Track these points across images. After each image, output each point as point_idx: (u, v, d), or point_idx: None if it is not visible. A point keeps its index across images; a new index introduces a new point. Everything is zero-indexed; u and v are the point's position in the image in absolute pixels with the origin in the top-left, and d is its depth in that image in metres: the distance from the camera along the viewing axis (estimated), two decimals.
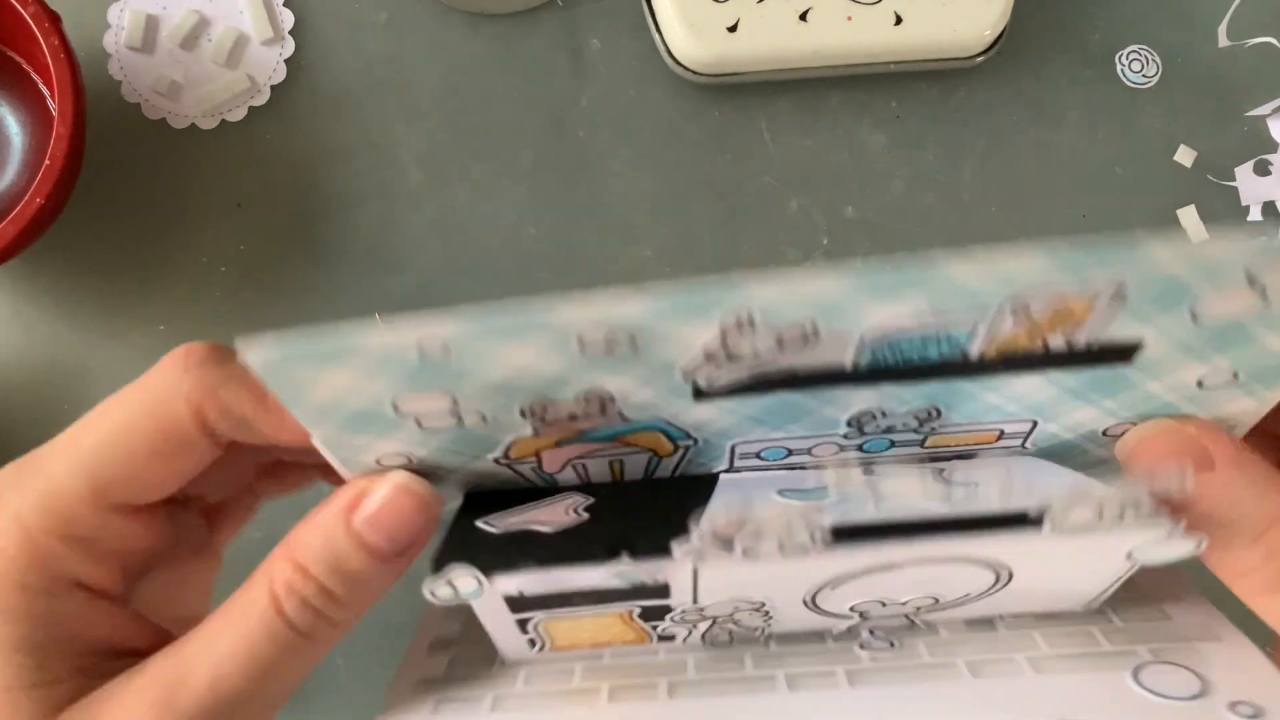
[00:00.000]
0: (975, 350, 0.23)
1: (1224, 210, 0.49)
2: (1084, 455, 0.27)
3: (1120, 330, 0.23)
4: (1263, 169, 0.49)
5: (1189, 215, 0.49)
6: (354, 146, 0.47)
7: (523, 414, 0.24)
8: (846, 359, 0.23)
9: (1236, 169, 0.49)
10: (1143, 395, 0.25)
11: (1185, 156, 0.49)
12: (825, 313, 0.22)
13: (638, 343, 0.23)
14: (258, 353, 0.22)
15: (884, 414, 0.25)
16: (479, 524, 0.25)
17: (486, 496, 0.27)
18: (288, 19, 0.46)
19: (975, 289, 0.22)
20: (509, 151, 0.47)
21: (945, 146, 0.48)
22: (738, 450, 0.27)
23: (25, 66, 0.44)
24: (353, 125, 0.47)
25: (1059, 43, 0.49)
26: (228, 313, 0.45)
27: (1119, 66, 0.49)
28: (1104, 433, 0.26)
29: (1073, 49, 0.49)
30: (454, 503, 0.27)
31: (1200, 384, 0.24)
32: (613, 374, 0.24)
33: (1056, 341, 0.23)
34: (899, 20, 0.45)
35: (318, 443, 0.25)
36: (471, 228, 0.46)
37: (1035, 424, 0.26)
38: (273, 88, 0.46)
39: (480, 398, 0.24)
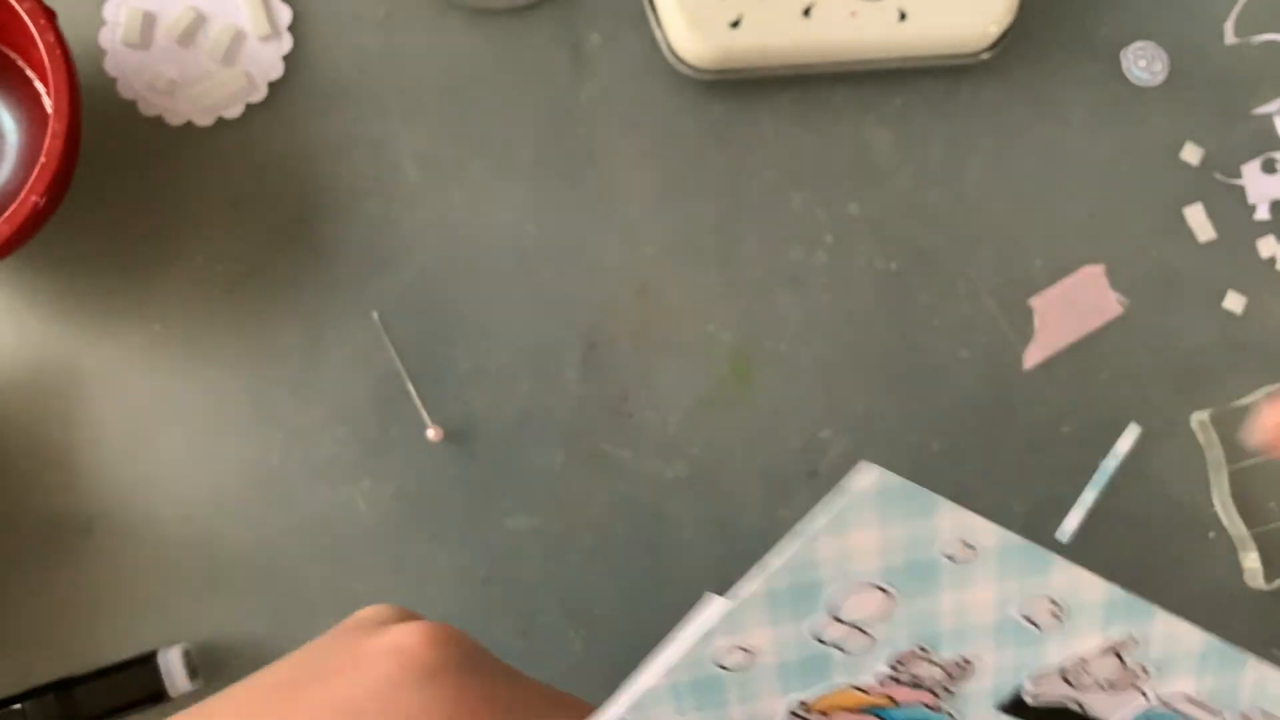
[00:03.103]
0: None
1: (1230, 208, 0.48)
2: None
3: None
4: (1270, 166, 0.49)
5: (1195, 213, 0.48)
6: (352, 143, 0.46)
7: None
8: None
9: (1243, 166, 0.49)
10: None
11: (1192, 154, 0.49)
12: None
13: (1061, 609, 0.24)
14: (867, 477, 0.23)
15: None
16: None
17: None
18: (286, 15, 0.46)
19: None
20: (508, 148, 0.47)
21: (950, 143, 0.48)
22: None
23: (20, 63, 0.44)
24: (350, 122, 0.46)
25: (1064, 39, 0.49)
26: (224, 312, 0.45)
27: (1125, 63, 0.49)
28: None
29: (1078, 46, 0.49)
30: None
31: None
32: (1011, 645, 0.24)
33: None
34: (903, 17, 0.45)
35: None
36: (470, 225, 0.46)
37: None
38: (270, 85, 0.46)
39: (905, 624, 0.24)
